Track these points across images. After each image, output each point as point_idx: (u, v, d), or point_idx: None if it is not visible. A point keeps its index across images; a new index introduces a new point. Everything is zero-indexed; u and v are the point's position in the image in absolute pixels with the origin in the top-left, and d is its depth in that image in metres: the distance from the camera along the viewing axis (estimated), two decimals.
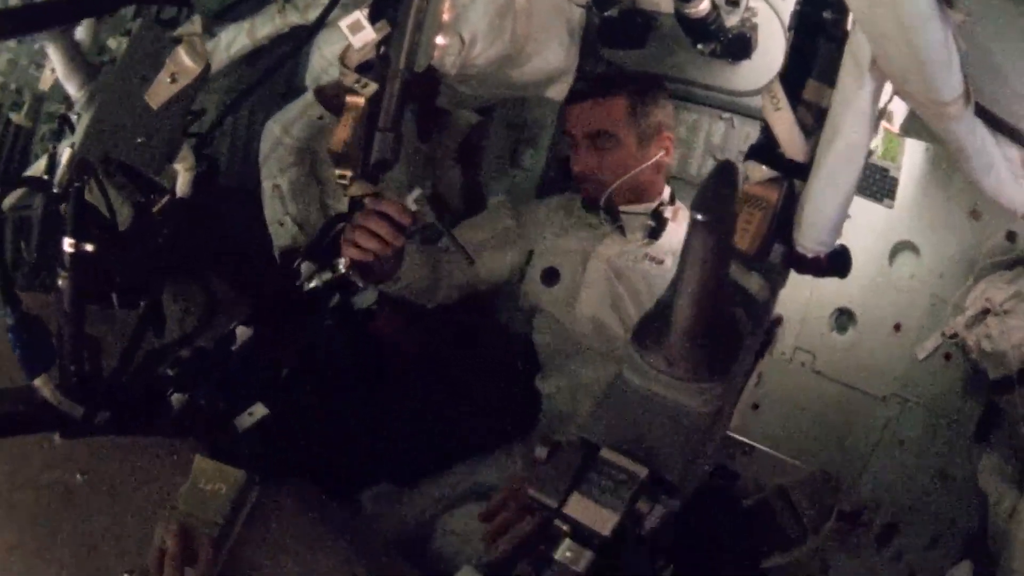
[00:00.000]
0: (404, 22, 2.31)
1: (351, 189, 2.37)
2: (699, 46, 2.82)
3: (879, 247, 2.78)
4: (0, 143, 3.08)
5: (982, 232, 2.62)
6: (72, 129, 2.11)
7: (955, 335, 2.50)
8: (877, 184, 2.74)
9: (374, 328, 2.73)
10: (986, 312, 2.41)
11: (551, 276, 2.69)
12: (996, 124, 1.72)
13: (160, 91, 1.88)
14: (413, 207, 2.16)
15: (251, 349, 2.07)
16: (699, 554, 1.81)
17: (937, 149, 2.63)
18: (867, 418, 2.78)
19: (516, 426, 2.77)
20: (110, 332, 2.01)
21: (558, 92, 3.12)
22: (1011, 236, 2.56)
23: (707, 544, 1.86)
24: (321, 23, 2.34)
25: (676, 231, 2.64)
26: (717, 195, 1.15)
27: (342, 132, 2.33)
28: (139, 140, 1.88)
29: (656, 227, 2.64)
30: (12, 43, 2.97)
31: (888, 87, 1.71)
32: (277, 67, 2.52)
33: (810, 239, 1.94)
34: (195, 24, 2.21)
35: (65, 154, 1.91)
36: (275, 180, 2.81)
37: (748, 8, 2.82)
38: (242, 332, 2.08)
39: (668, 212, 2.66)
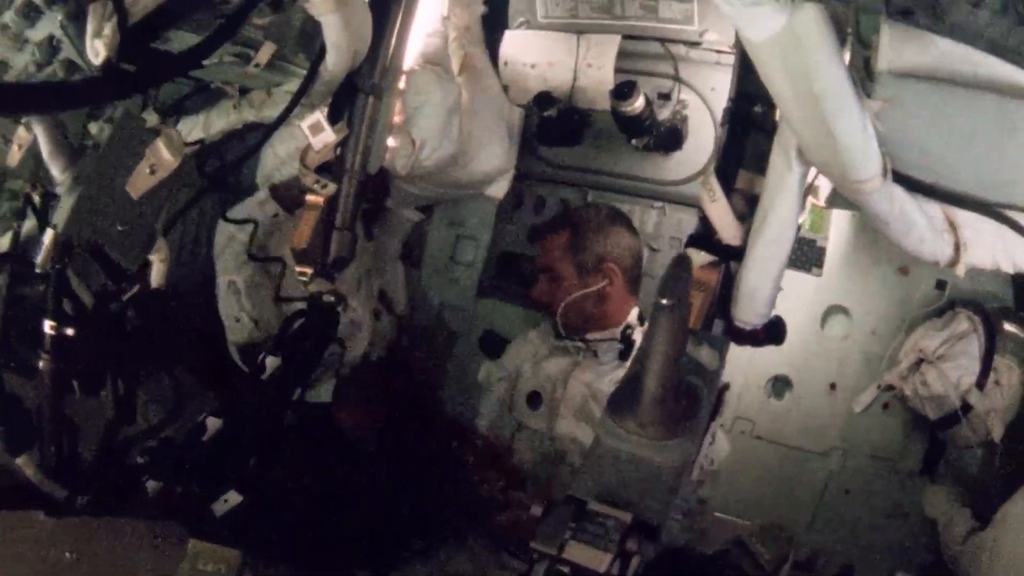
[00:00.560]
0: (358, 124, 2.48)
1: (311, 286, 2.48)
2: (633, 141, 3.07)
3: (811, 314, 2.97)
4: None
5: (911, 286, 2.83)
6: (35, 209, 2.13)
7: (892, 387, 2.66)
8: (806, 255, 2.95)
9: (337, 419, 2.77)
10: (920, 362, 2.59)
11: (535, 399, 2.79)
12: (916, 186, 1.93)
13: (140, 182, 1.95)
14: None
15: (222, 439, 2.14)
16: None
17: (862, 216, 2.79)
18: (811, 474, 2.94)
19: (472, 516, 2.82)
20: (75, 415, 2.02)
21: (498, 190, 3.33)
22: (941, 284, 2.78)
23: None
24: (283, 120, 2.41)
25: None
26: (676, 282, 1.39)
27: (304, 230, 2.44)
28: (119, 228, 1.93)
29: (625, 349, 2.71)
30: None
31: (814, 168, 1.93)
32: (239, 163, 2.60)
33: (747, 313, 2.15)
34: (151, 116, 2.31)
35: (48, 235, 1.94)
36: (230, 276, 2.85)
37: (679, 101, 3.09)
38: (212, 423, 2.14)
39: (637, 334, 2.74)
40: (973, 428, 2.48)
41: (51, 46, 2.08)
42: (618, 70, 3.11)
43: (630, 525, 1.38)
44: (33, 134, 2.42)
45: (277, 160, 2.95)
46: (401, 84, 2.72)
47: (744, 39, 1.60)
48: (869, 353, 2.90)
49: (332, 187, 2.42)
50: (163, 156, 1.98)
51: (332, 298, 2.46)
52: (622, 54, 3.13)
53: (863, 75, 1.59)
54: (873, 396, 2.75)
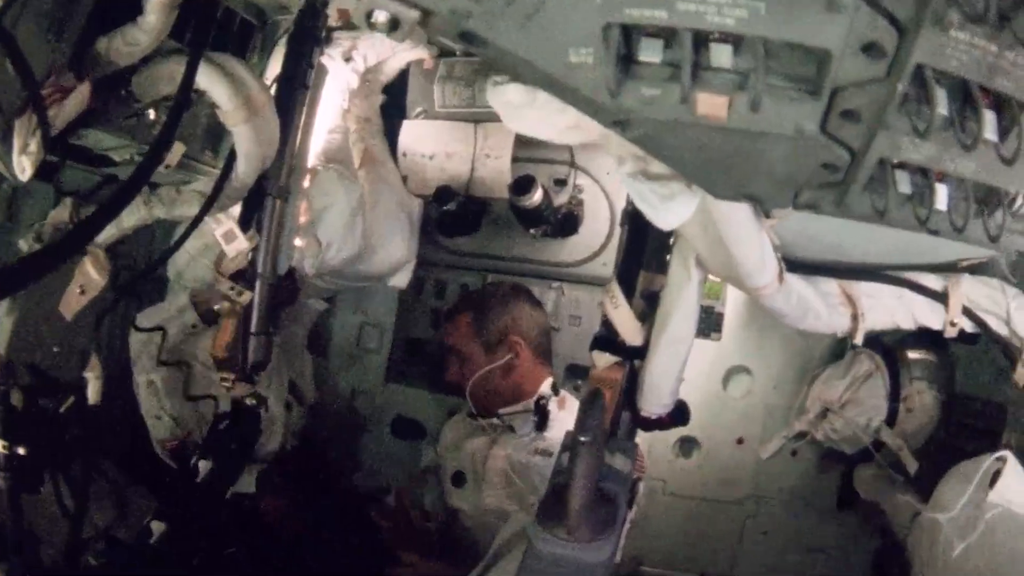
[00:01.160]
0: (268, 228, 2.53)
1: (234, 391, 2.50)
2: (532, 231, 3.20)
3: (713, 376, 3.12)
4: None
5: (811, 338, 2.91)
6: None
7: (804, 433, 2.76)
8: (704, 322, 3.04)
9: (262, 509, 2.82)
10: (826, 411, 2.69)
11: (458, 478, 2.87)
12: (814, 268, 2.10)
13: (71, 302, 1.98)
14: None
15: (166, 541, 2.21)
16: None
17: None
18: (727, 521, 3.08)
19: None
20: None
21: (401, 280, 3.39)
22: None
23: None
24: (199, 220, 2.38)
25: (565, 420, 2.76)
26: (592, 419, 1.54)
27: (223, 337, 2.45)
28: (55, 349, 1.93)
29: (541, 420, 2.78)
30: None
31: None
32: (150, 271, 2.61)
33: (653, 405, 2.28)
34: (66, 206, 2.28)
35: None
36: (149, 376, 2.83)
37: (576, 186, 3.24)
38: (157, 526, 2.22)
39: (552, 404, 2.82)
40: (888, 463, 2.57)
41: None
42: (515, 158, 3.21)
43: None
44: None
45: (187, 256, 2.93)
46: (305, 183, 2.77)
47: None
48: (772, 406, 3.05)
49: (248, 295, 2.45)
50: (91, 276, 2.02)
51: (254, 400, 2.54)
52: (518, 142, 3.21)
53: None
54: (780, 444, 2.84)
